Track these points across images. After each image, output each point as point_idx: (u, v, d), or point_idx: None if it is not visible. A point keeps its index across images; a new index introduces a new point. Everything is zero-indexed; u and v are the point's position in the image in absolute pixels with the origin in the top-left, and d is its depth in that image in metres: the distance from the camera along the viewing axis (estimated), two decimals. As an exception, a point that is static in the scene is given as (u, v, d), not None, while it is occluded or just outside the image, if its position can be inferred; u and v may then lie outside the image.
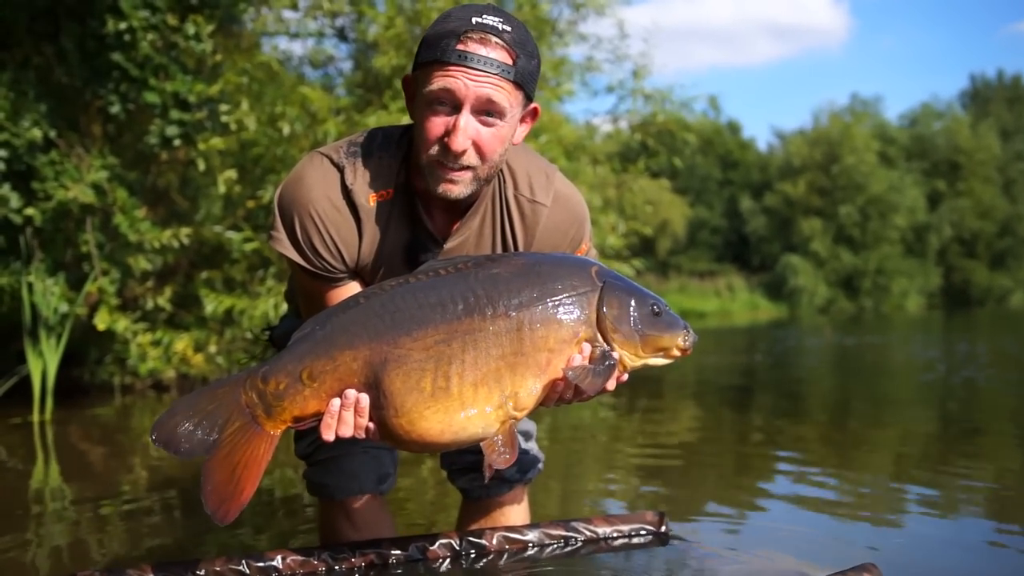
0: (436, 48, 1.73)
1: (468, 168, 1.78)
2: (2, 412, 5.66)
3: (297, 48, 20.10)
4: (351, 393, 1.67)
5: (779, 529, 2.87)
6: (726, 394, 7.37)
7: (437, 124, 1.75)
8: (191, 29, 6.25)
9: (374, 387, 1.66)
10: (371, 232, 1.86)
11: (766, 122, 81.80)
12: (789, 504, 3.30)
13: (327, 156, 1.87)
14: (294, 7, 8.39)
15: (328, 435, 1.68)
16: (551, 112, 9.19)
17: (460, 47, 1.72)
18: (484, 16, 1.74)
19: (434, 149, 1.76)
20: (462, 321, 1.67)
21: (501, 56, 1.73)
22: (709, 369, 9.40)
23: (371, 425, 1.69)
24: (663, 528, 2.36)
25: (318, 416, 1.69)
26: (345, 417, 1.67)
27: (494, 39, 1.73)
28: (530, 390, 1.69)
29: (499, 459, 1.68)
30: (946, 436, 4.98)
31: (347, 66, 9.19)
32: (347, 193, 1.84)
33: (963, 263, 37.40)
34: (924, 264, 36.12)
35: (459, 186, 1.79)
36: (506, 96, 1.75)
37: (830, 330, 18.14)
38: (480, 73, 1.72)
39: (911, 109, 43.36)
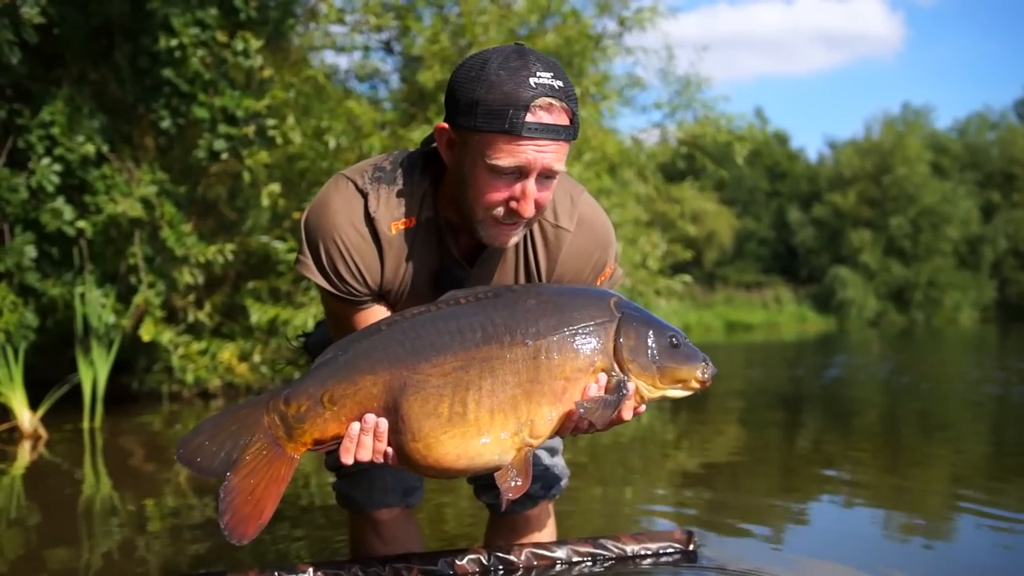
0: (502, 119, 1.71)
1: (525, 221, 1.84)
2: (54, 419, 5.81)
3: (343, 62, 20.36)
4: (370, 417, 1.71)
5: (817, 550, 2.84)
6: (771, 409, 7.31)
7: (501, 190, 1.78)
8: (240, 45, 6.37)
9: (393, 412, 1.70)
10: (394, 259, 1.90)
11: (816, 132, 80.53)
12: (831, 525, 3.27)
13: (352, 180, 1.90)
14: (341, 22, 8.53)
15: (347, 459, 1.72)
16: (595, 128, 9.19)
17: (530, 119, 1.72)
18: (538, 74, 1.73)
19: (497, 211, 1.80)
20: (480, 348, 1.71)
21: (563, 120, 1.76)
22: (755, 383, 9.33)
23: (389, 450, 1.72)
24: (691, 546, 2.37)
25: (338, 439, 1.73)
26: (364, 441, 1.71)
27: (557, 104, 1.74)
28: (546, 418, 1.72)
29: (511, 487, 1.71)
30: (1000, 458, 4.85)
31: (393, 79, 9.31)
32: (370, 221, 1.87)
33: (1019, 276, 36.54)
34: (978, 277, 35.37)
35: (515, 237, 1.86)
36: (565, 156, 1.79)
37: (879, 344, 17.86)
38: (547, 143, 1.74)
39: (958, 119, 42.56)
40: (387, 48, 9.05)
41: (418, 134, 7.25)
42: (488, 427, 1.69)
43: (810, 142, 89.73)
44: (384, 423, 1.71)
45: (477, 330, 1.72)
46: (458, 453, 1.69)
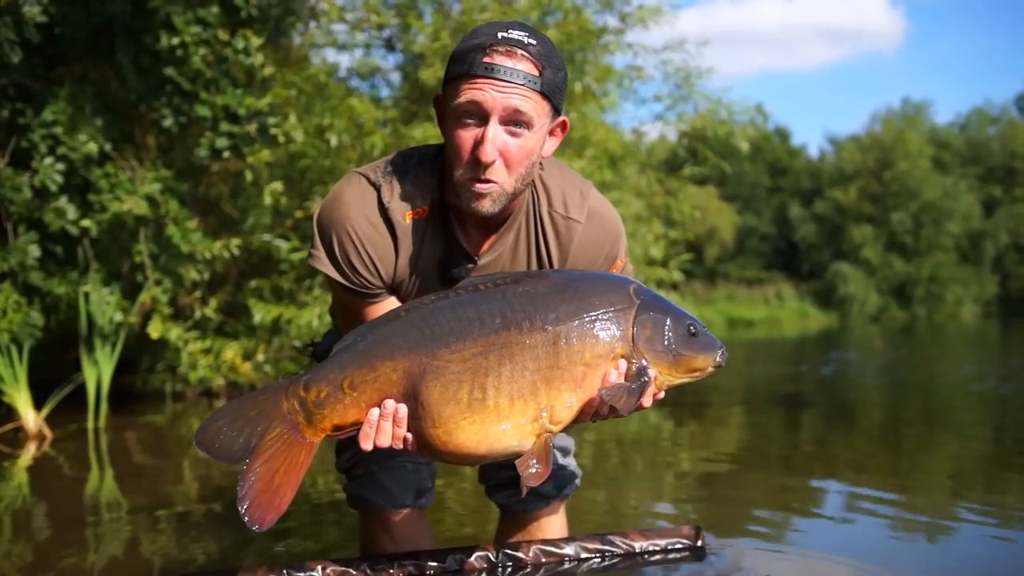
0: (463, 63, 1.78)
1: (496, 181, 1.81)
2: (59, 419, 5.81)
3: (344, 60, 20.31)
4: (390, 403, 1.70)
5: (822, 545, 2.84)
6: (773, 406, 7.31)
7: (466, 138, 1.79)
8: (241, 43, 6.37)
9: (412, 398, 1.69)
10: (407, 249, 1.90)
11: (817, 128, 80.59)
12: (835, 520, 3.26)
13: (364, 175, 1.92)
14: (342, 19, 8.52)
15: (366, 444, 1.72)
16: (596, 122, 9.18)
17: (487, 60, 1.76)
18: (510, 31, 1.79)
19: (465, 164, 1.80)
20: (499, 334, 1.70)
21: (527, 67, 1.77)
22: (757, 379, 9.32)
23: (409, 436, 1.71)
24: (699, 542, 2.37)
25: (357, 425, 1.72)
26: (383, 427, 1.71)
27: (520, 52, 1.77)
28: (565, 404, 1.71)
29: (532, 474, 1.69)
30: (1001, 454, 4.84)
31: (394, 77, 9.30)
32: (384, 211, 1.88)
33: (1020, 271, 36.52)
34: (979, 272, 35.35)
35: (488, 200, 1.82)
36: (533, 106, 1.78)
37: (880, 340, 17.84)
38: (506, 84, 1.76)
39: (959, 114, 42.40)
40: (388, 46, 9.04)
41: (420, 132, 7.24)
42: (508, 413, 1.68)
43: (811, 138, 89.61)
44: (403, 409, 1.70)
45: (496, 316, 1.71)
46: (478, 439, 1.68)
